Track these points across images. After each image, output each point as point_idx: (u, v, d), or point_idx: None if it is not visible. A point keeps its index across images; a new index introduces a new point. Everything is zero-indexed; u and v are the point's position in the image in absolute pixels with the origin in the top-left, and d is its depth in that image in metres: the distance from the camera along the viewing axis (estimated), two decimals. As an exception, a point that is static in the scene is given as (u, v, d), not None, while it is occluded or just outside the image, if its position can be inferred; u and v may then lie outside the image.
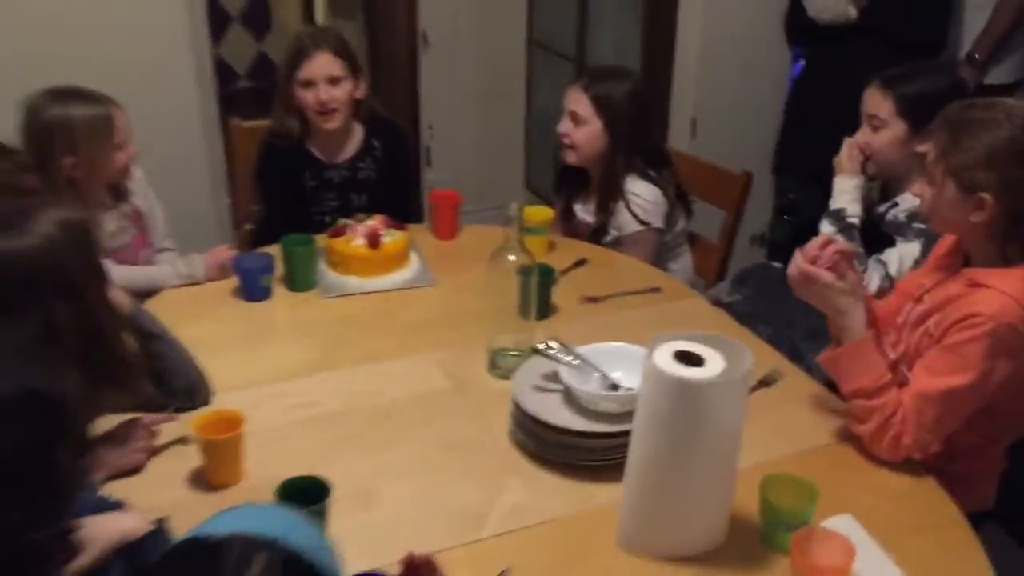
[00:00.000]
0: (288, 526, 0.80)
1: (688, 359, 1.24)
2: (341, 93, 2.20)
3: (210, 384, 1.59)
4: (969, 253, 1.55)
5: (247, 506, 0.84)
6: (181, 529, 1.03)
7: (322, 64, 2.16)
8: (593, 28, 3.50)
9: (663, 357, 1.23)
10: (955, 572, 1.30)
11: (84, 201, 1.87)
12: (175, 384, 1.54)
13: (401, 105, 3.73)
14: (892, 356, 1.60)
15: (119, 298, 1.43)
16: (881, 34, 2.62)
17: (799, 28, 2.88)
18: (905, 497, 1.44)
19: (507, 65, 3.80)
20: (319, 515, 1.25)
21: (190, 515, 0.91)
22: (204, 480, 1.41)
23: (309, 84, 2.18)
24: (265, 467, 1.42)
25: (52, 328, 1.13)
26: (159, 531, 1.19)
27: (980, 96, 1.59)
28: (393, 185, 2.35)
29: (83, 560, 1.10)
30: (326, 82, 2.17)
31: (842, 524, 1.31)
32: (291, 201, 2.28)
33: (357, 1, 5.23)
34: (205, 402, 1.57)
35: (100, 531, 1.15)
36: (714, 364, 1.23)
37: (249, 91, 5.12)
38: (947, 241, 1.63)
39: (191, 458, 1.43)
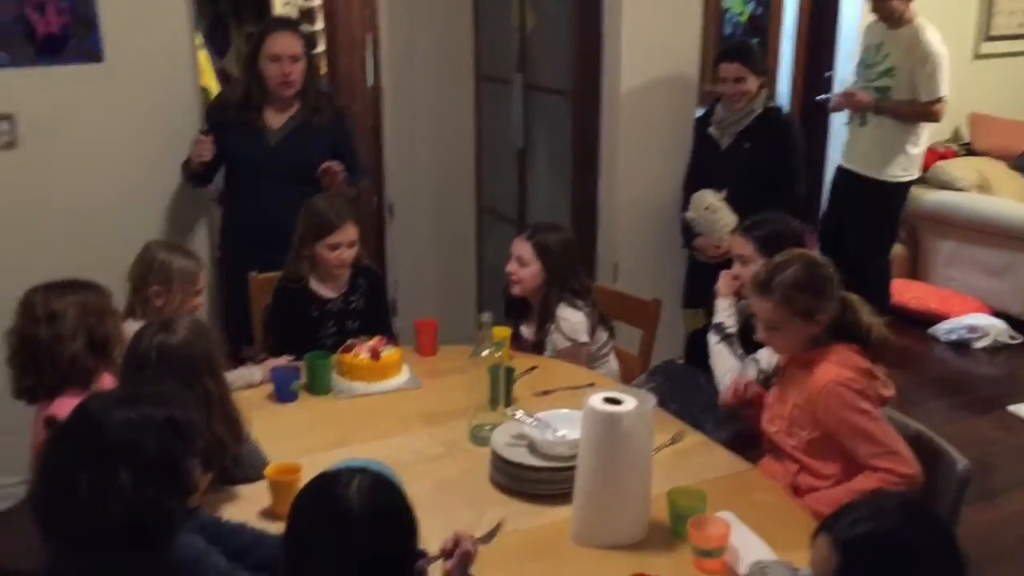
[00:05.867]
0: (366, 463, 1.39)
1: (612, 401, 1.86)
2: (355, 251, 2.87)
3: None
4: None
5: (345, 461, 1.43)
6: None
7: (348, 232, 2.83)
8: (531, 195, 4.21)
9: (596, 401, 1.86)
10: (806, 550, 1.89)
11: None
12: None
13: (370, 264, 4.38)
14: (773, 428, 2.24)
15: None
16: None
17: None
18: (769, 506, 2.03)
19: (460, 228, 4.43)
20: None
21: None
22: (271, 513, 1.96)
23: (335, 247, 2.82)
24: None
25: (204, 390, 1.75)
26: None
27: None
28: (375, 314, 2.97)
29: None
30: (348, 246, 2.84)
31: (724, 515, 1.90)
32: (299, 328, 2.86)
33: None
34: (260, 477, 2.08)
35: None
36: (629, 404, 1.85)
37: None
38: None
39: (264, 498, 1.98)
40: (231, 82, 3.31)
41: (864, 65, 4.16)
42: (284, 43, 3.21)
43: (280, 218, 3.01)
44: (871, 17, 4.19)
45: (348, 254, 2.85)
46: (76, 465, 1.48)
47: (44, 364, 2.10)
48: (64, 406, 2.03)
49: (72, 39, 3.13)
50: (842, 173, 4.32)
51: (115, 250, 2.69)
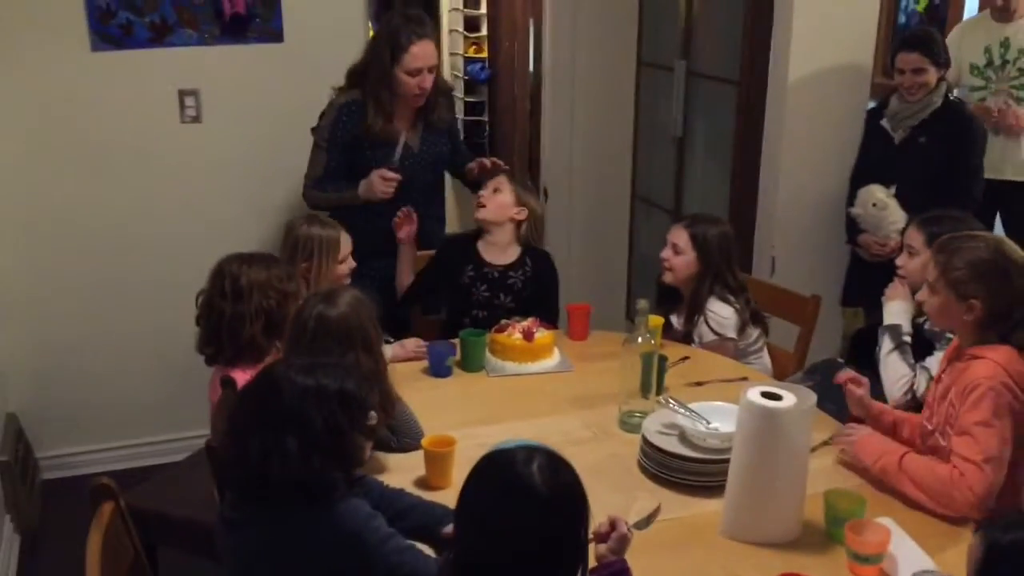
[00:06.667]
0: (537, 443, 1.40)
1: (771, 397, 1.82)
2: (498, 201, 2.95)
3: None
4: (961, 340, 2.10)
5: (516, 440, 1.45)
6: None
7: (496, 181, 2.97)
8: (687, 184, 4.15)
9: (754, 394, 1.82)
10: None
11: None
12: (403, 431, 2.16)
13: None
14: (929, 427, 2.14)
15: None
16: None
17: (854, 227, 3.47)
18: (928, 515, 1.93)
19: (614, 215, 4.40)
20: None
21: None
22: (424, 482, 2.02)
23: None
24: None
25: (357, 361, 1.81)
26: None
27: None
28: (538, 297, 3.00)
29: None
30: (493, 188, 2.95)
31: (883, 521, 1.83)
32: (450, 281, 2.99)
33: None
34: (415, 447, 2.13)
35: None
36: (789, 400, 1.81)
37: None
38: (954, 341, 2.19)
39: (418, 468, 2.04)
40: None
41: (991, 67, 3.86)
42: (426, 55, 3.02)
43: (423, 215, 3.13)
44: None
45: (489, 197, 2.95)
46: (251, 425, 1.56)
47: (224, 337, 2.25)
48: (238, 374, 2.16)
49: (256, 19, 3.29)
50: (999, 185, 3.80)
51: (287, 219, 2.83)
